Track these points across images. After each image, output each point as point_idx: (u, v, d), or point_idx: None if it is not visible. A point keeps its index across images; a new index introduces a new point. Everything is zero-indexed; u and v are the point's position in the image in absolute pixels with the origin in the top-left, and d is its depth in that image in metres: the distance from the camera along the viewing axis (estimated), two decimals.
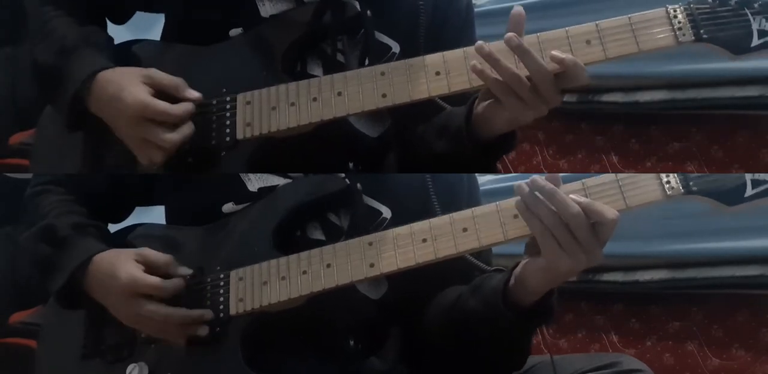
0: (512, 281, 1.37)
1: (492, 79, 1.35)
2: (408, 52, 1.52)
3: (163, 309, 1.44)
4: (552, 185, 1.30)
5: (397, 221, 1.45)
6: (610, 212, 1.29)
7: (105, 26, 1.61)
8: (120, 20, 1.64)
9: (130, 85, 1.44)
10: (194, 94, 1.45)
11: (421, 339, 1.52)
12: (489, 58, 1.34)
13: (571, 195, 1.31)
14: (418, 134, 1.54)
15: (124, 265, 1.45)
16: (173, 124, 1.43)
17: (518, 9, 1.35)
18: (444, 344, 1.49)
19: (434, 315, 1.50)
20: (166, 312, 1.44)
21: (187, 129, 1.43)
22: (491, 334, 1.39)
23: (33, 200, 1.60)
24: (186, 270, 1.47)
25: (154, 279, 1.44)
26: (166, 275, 1.46)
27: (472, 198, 1.58)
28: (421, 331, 1.52)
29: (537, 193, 1.30)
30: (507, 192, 1.37)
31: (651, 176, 1.34)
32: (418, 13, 1.57)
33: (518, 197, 1.32)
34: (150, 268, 1.46)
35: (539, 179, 1.31)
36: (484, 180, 2.42)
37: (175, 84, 1.45)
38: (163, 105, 1.42)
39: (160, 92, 1.44)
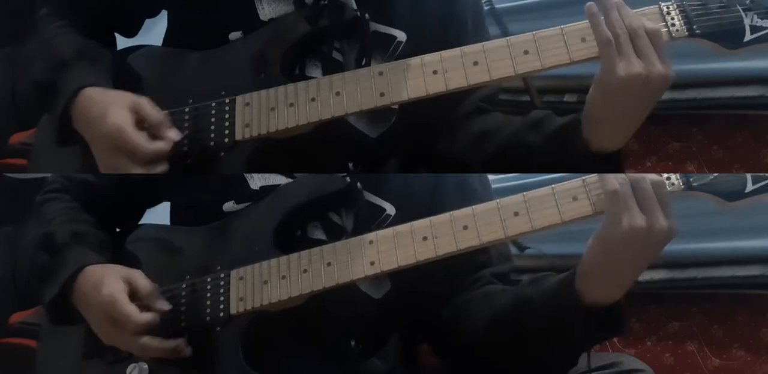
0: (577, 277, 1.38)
1: (599, 29, 1.36)
2: (417, 40, 1.52)
3: (137, 340, 1.42)
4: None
5: (402, 217, 1.45)
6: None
7: (114, 41, 1.61)
8: (130, 33, 1.63)
9: (115, 108, 1.42)
10: (174, 134, 1.43)
11: (462, 340, 1.51)
12: (595, 16, 1.37)
13: None
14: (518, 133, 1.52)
15: (110, 283, 1.43)
16: (145, 160, 1.41)
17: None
18: (492, 343, 1.47)
19: (482, 316, 1.48)
20: (141, 344, 1.42)
21: (161, 168, 1.41)
22: (557, 341, 1.40)
23: (39, 208, 1.60)
24: (165, 305, 1.44)
25: (129, 310, 1.41)
26: (147, 305, 1.44)
27: (485, 195, 1.57)
28: (459, 332, 1.50)
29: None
30: (507, 192, 1.37)
31: (653, 175, 1.34)
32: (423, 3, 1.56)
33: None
34: (133, 292, 1.44)
35: None
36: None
37: (159, 121, 1.43)
38: (137, 137, 1.40)
39: (144, 124, 1.42)
